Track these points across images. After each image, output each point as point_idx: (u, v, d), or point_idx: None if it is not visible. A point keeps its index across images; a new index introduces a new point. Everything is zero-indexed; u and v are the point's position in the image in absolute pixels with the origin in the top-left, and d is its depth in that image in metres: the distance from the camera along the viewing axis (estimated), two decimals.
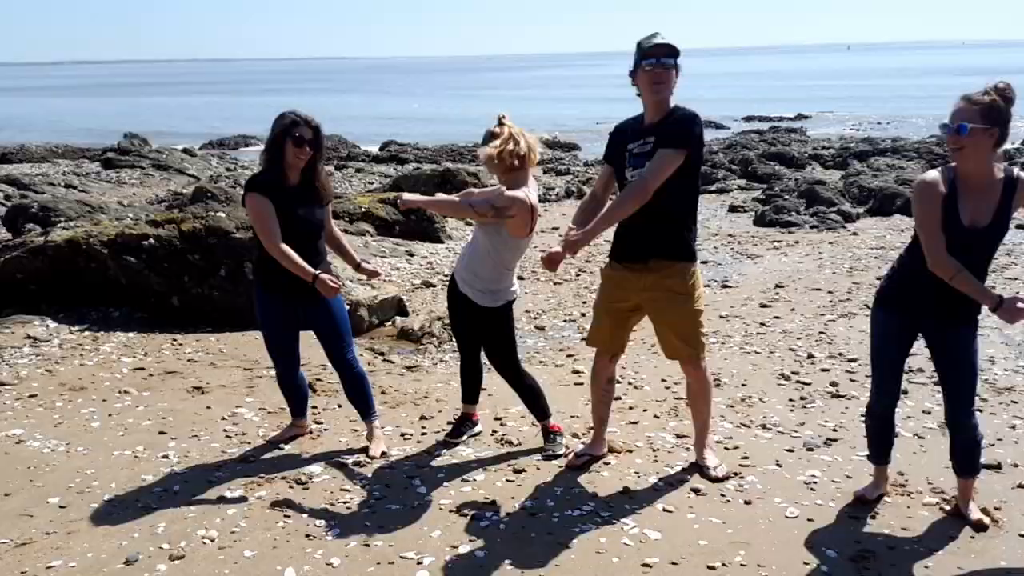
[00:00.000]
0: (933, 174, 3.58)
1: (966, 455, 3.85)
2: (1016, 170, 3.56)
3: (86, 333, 7.01)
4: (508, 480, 4.36)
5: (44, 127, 38.42)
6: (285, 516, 3.99)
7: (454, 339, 4.87)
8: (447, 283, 4.81)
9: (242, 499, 4.17)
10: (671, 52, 3.92)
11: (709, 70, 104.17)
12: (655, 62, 3.91)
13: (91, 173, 19.82)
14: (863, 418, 5.04)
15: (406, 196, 4.62)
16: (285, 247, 4.31)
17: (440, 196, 4.65)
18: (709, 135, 27.75)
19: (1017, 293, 7.93)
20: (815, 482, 4.29)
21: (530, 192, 4.30)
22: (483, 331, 4.60)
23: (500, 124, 4.36)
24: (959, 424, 3.80)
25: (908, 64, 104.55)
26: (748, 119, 35.04)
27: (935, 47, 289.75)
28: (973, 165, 3.50)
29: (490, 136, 4.37)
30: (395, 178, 15.41)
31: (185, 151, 23.18)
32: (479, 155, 4.46)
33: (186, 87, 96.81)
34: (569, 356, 6.53)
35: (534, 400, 4.76)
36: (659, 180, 3.90)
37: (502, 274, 4.46)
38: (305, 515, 4.01)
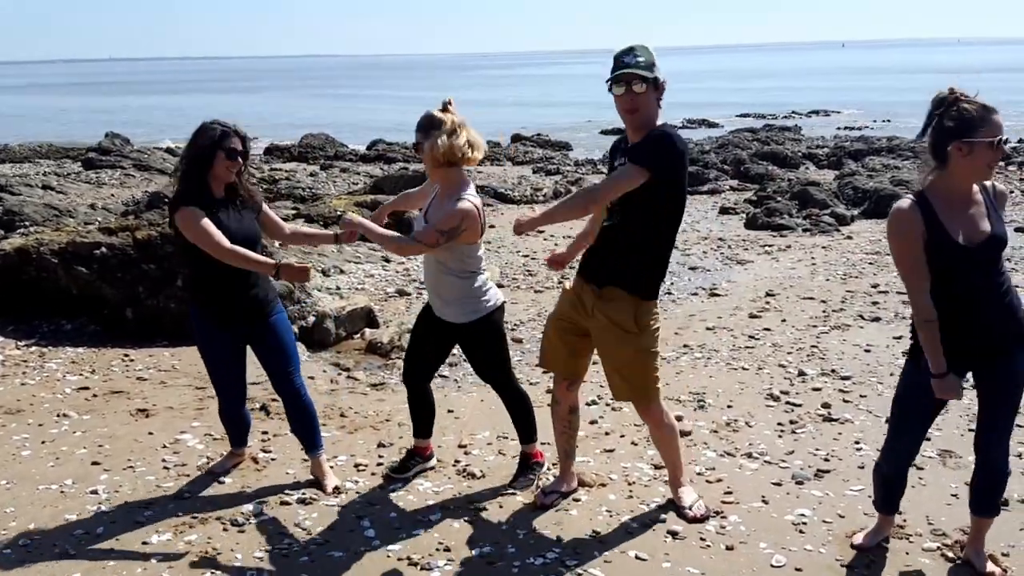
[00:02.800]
0: (907, 202, 3.16)
1: (989, 490, 3.42)
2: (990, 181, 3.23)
3: (33, 348, 6.59)
4: (467, 521, 3.96)
5: (32, 126, 37.89)
6: (214, 566, 3.58)
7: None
8: (423, 297, 4.35)
9: (169, 544, 3.75)
10: (642, 78, 3.47)
11: (702, 68, 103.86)
12: (624, 89, 3.49)
13: (71, 174, 19.35)
14: (856, 447, 4.71)
15: (349, 216, 4.02)
16: (236, 247, 3.91)
17: (383, 231, 3.96)
18: (701, 134, 27.55)
19: None
20: (804, 523, 3.89)
21: (470, 195, 3.87)
22: (474, 350, 4.17)
23: (445, 109, 3.89)
24: (990, 450, 3.36)
25: (903, 62, 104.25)
26: (742, 116, 34.68)
27: (930, 44, 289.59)
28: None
29: (431, 123, 3.85)
30: (377, 179, 14.99)
31: (168, 151, 22.69)
32: (426, 147, 3.84)
33: (174, 85, 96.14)
34: (545, 373, 6.12)
35: (524, 418, 4.35)
36: (610, 192, 3.55)
37: (471, 282, 4.01)
38: (237, 564, 3.60)
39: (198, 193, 3.98)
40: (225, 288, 4.07)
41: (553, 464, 4.50)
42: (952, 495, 4.11)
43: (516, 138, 26.11)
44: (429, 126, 3.86)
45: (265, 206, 4.25)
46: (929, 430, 4.76)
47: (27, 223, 10.92)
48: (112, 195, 16.64)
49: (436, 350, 4.29)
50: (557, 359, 4.02)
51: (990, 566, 3.47)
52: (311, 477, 4.39)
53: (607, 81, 3.54)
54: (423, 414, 4.44)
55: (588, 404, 5.39)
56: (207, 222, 3.91)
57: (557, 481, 4.20)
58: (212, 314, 4.12)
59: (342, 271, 8.95)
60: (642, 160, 3.46)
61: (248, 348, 4.25)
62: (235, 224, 4.01)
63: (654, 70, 3.52)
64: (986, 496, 3.43)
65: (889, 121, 30.65)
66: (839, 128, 29.12)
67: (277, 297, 4.31)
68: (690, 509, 3.95)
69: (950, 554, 3.61)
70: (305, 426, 4.35)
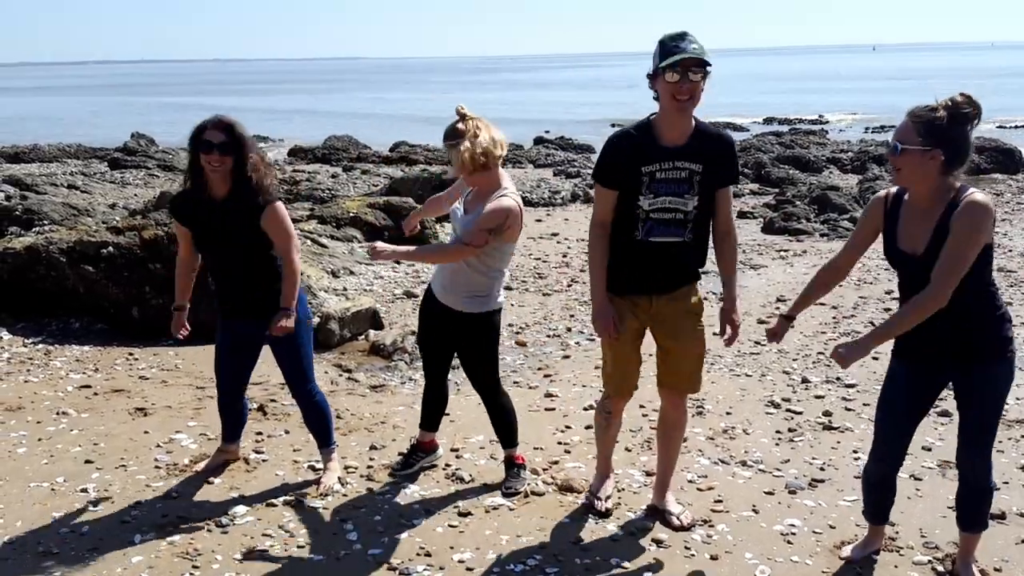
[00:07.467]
0: (883, 192, 3.32)
1: (974, 505, 3.34)
2: (968, 193, 3.00)
3: (40, 346, 6.65)
4: (451, 525, 3.92)
5: (63, 126, 38.40)
6: (194, 566, 3.58)
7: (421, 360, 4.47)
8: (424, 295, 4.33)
9: (152, 544, 3.75)
10: (700, 63, 3.31)
11: (731, 71, 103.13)
12: (679, 74, 3.31)
13: (97, 174, 19.59)
14: (854, 456, 4.62)
15: (380, 246, 3.89)
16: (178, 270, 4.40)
17: (418, 248, 4.52)
18: None
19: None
20: (793, 533, 3.81)
21: (512, 192, 3.98)
22: (466, 342, 4.15)
23: (464, 119, 3.95)
24: (971, 467, 3.28)
25: (935, 65, 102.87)
26: (768, 121, 34.39)
27: (963, 48, 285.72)
28: (915, 188, 3.08)
29: (454, 133, 3.96)
30: (393, 182, 14.99)
31: None
32: (455, 159, 3.92)
33: (206, 87, 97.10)
34: (546, 376, 6.09)
35: (507, 425, 4.32)
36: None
37: (494, 280, 4.06)
38: (216, 565, 3.59)
39: (190, 193, 4.05)
40: (216, 281, 4.22)
41: (543, 468, 4.46)
42: (948, 507, 3.98)
43: (538, 140, 26.09)
44: (453, 136, 3.96)
45: (275, 208, 3.98)
46: (931, 439, 4.72)
47: (45, 222, 11.05)
48: (135, 195, 16.82)
49: (440, 337, 4.25)
50: (633, 378, 3.88)
51: None
52: (300, 480, 4.38)
53: (661, 63, 3.32)
54: (434, 407, 4.46)
55: (585, 409, 5.34)
56: (176, 224, 4.28)
57: (605, 483, 4.14)
58: (218, 303, 4.28)
59: (352, 272, 8.95)
60: (735, 177, 3.75)
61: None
62: (218, 227, 3.98)
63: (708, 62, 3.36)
64: (973, 512, 3.34)
65: None
66: (867, 132, 28.81)
67: (290, 304, 4.07)
68: (677, 517, 3.89)
69: (940, 568, 3.52)
70: (316, 425, 4.40)
